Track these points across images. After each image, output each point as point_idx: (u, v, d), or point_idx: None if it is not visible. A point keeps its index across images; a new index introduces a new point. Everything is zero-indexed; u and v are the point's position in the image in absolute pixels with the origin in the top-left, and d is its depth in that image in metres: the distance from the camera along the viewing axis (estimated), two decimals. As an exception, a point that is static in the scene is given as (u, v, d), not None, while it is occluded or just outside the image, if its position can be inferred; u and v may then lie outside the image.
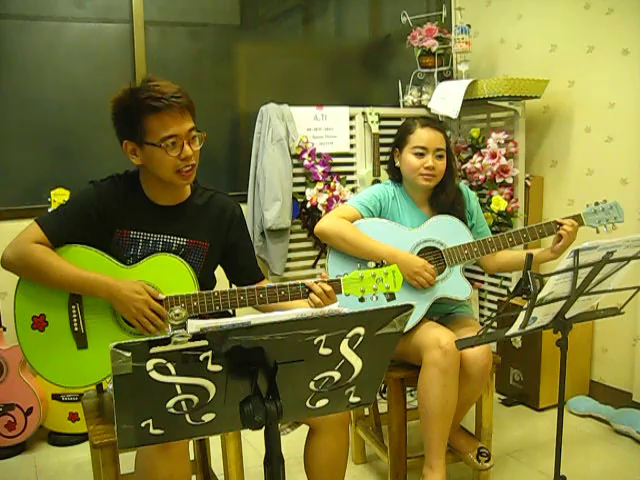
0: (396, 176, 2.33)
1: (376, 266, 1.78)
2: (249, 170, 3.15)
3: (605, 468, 2.53)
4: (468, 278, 2.22)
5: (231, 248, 1.92)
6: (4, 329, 2.70)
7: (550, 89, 3.13)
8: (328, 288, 1.75)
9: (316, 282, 1.75)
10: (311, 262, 3.30)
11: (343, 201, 3.08)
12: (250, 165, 3.15)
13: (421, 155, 2.20)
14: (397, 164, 2.30)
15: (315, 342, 1.10)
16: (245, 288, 1.75)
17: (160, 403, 1.06)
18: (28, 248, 1.68)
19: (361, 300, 1.78)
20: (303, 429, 1.86)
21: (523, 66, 3.37)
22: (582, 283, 1.65)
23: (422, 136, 2.21)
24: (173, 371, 1.03)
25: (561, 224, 2.18)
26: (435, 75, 3.44)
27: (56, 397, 2.77)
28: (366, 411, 2.59)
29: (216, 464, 2.16)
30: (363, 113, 3.28)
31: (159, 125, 1.67)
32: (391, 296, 1.79)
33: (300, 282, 1.76)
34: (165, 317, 1.69)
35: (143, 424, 1.08)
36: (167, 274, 1.76)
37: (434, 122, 2.29)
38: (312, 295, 1.74)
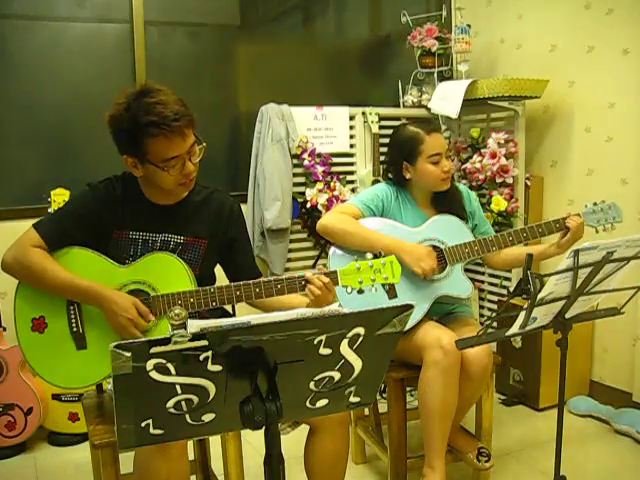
0: (402, 184, 2.30)
1: (374, 257, 1.73)
2: (249, 170, 3.15)
3: (605, 468, 2.53)
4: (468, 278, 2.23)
5: (229, 244, 1.91)
6: (4, 329, 2.70)
7: (550, 89, 3.13)
8: (326, 280, 1.73)
9: (313, 275, 1.74)
10: (311, 262, 3.30)
11: (343, 201, 3.08)
12: (250, 165, 3.15)
13: (437, 162, 2.21)
14: (408, 177, 2.25)
15: (315, 342, 1.10)
16: (241, 283, 1.74)
17: (160, 403, 1.06)
18: (25, 252, 1.69)
19: (360, 292, 1.73)
20: (303, 429, 1.85)
21: (523, 66, 3.37)
22: (582, 283, 1.64)
23: (434, 143, 2.21)
24: (173, 371, 1.03)
25: (565, 218, 2.20)
26: (435, 75, 3.44)
27: (56, 397, 2.77)
28: (366, 411, 2.59)
29: (216, 464, 2.16)
30: (363, 113, 3.28)
31: (160, 148, 1.64)
32: (390, 287, 1.75)
33: (297, 275, 1.74)
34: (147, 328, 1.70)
35: (143, 424, 1.07)
36: (163, 272, 1.75)
37: (432, 124, 2.30)
38: (310, 287, 1.72)
